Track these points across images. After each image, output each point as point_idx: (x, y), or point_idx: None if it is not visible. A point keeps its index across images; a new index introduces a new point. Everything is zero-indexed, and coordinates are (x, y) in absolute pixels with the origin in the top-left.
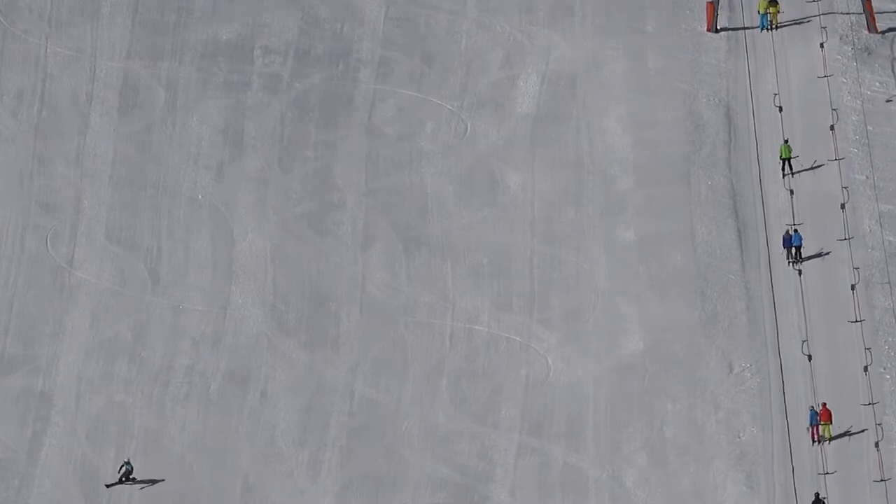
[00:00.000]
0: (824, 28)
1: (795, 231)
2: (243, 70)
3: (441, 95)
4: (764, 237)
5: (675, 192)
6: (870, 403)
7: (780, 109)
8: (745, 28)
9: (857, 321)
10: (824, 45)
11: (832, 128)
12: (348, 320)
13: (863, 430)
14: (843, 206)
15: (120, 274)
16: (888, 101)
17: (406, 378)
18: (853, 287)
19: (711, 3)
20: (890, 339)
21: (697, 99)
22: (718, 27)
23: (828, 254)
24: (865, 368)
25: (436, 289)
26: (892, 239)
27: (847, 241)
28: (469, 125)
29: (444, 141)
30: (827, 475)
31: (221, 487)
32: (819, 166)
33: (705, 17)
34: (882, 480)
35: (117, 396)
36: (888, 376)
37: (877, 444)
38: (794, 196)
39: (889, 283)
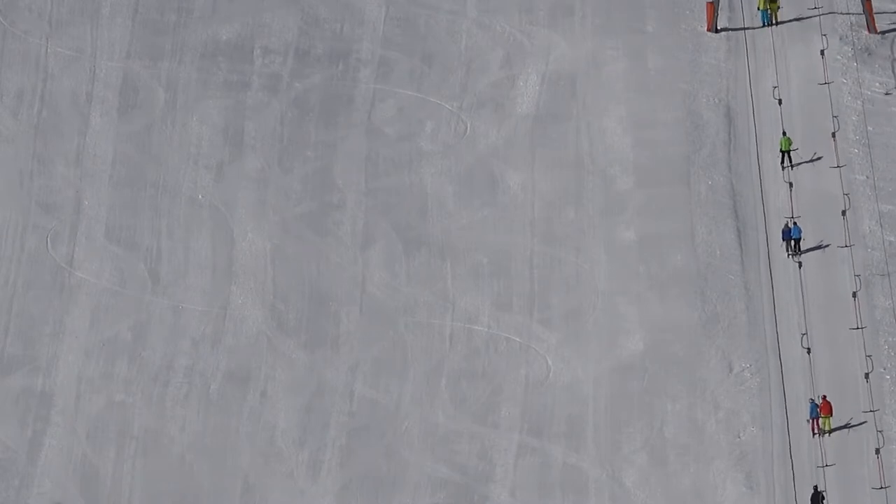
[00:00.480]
0: (825, 35)
1: (795, 224)
2: (243, 70)
3: (441, 95)
4: (764, 237)
5: (675, 192)
6: (871, 410)
7: (780, 102)
8: (745, 28)
9: (858, 328)
10: (825, 52)
11: (833, 135)
12: (348, 320)
13: (862, 423)
14: (844, 214)
15: (120, 274)
16: (887, 93)
17: (406, 378)
18: (854, 294)
19: (711, 3)
20: (890, 340)
21: (697, 99)
22: (718, 27)
23: (827, 246)
24: (867, 376)
25: (436, 289)
26: (892, 239)
27: (849, 248)
28: (469, 125)
29: (444, 141)
30: (826, 468)
31: (221, 487)
32: (818, 158)
33: (705, 17)
34: (882, 488)
35: (117, 396)
36: (888, 377)
37: (877, 451)
38: (793, 189)
39: (888, 277)
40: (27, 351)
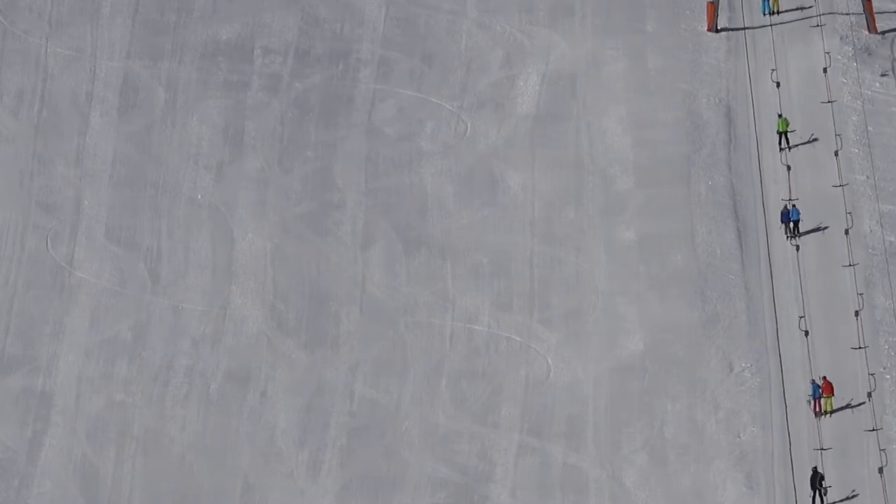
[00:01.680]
0: (828, 53)
1: (794, 206)
2: (243, 70)
3: (441, 95)
4: (764, 237)
5: (675, 192)
6: (873, 430)
7: (778, 85)
8: (745, 28)
9: (861, 347)
10: (827, 70)
11: (836, 154)
12: (348, 320)
13: (861, 404)
14: (847, 232)
15: (120, 274)
16: (883, 74)
17: (406, 378)
18: (857, 313)
19: (711, 3)
20: (890, 339)
21: (697, 99)
22: (718, 27)
23: (826, 228)
24: (869, 395)
25: (436, 289)
26: (892, 239)
27: (852, 267)
28: (469, 125)
29: (444, 141)
30: (825, 451)
31: (221, 487)
32: (814, 140)
33: (705, 17)
34: None
35: (117, 396)
36: (888, 376)
37: (881, 470)
38: (790, 171)
39: (888, 274)
40: (27, 351)
